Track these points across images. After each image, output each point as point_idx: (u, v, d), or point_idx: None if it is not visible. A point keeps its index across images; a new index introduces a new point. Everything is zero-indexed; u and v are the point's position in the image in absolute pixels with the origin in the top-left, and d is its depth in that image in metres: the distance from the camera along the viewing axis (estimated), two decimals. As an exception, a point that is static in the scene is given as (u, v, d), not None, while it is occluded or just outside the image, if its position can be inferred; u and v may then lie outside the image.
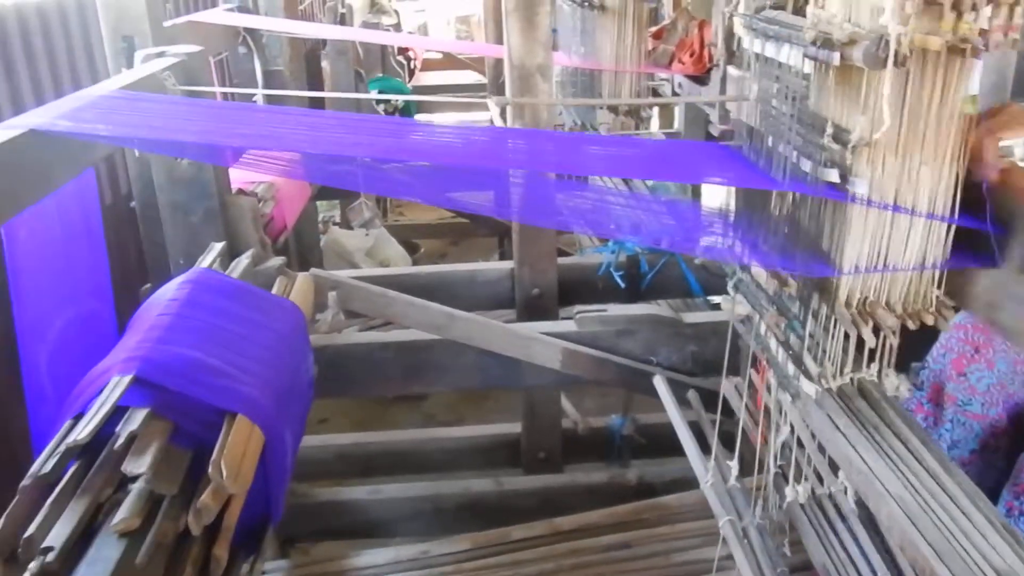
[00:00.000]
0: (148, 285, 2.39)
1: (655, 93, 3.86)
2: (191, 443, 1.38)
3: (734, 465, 1.76)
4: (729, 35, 2.23)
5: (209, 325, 1.59)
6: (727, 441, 1.85)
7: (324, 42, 4.57)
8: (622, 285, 2.76)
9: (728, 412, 1.96)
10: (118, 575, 1.13)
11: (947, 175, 1.30)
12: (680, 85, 3.47)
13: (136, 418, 1.32)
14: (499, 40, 4.72)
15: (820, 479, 1.60)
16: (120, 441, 1.27)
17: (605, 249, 2.85)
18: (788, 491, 1.59)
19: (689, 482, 2.10)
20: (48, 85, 2.89)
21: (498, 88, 5.23)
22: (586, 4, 3.22)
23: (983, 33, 1.12)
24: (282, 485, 1.55)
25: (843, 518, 1.51)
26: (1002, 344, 1.88)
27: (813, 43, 1.26)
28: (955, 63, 1.21)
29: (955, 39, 1.12)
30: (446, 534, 2.40)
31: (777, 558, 1.58)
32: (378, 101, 5.00)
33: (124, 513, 1.20)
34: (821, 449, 1.51)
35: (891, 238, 1.35)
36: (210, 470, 1.27)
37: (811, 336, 1.48)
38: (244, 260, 2.04)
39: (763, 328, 1.62)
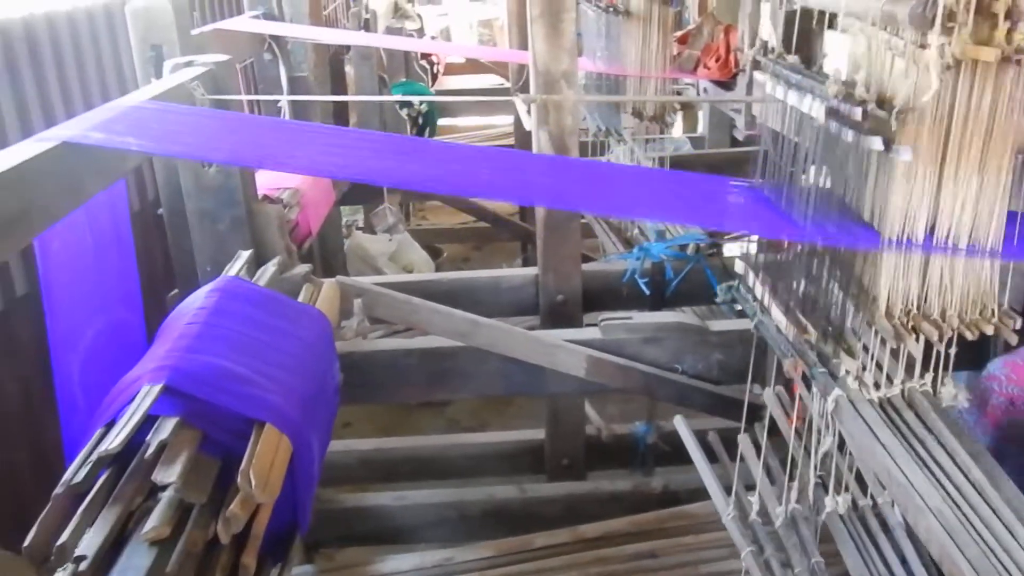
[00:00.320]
0: (175, 291, 2.41)
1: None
2: (220, 451, 1.39)
3: (755, 500, 1.75)
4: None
5: (237, 334, 1.60)
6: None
7: (347, 47, 4.59)
8: (647, 292, 2.75)
9: (753, 421, 1.95)
10: (149, 583, 1.14)
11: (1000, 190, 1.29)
12: (705, 90, 3.46)
13: (166, 427, 1.33)
14: (523, 45, 4.72)
15: (864, 490, 1.58)
16: (151, 450, 1.28)
17: (630, 255, 2.84)
18: (828, 502, 1.57)
19: (714, 491, 2.08)
20: (77, 93, 2.93)
21: (522, 92, 5.22)
22: (611, 9, 3.21)
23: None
24: (309, 493, 1.56)
25: (887, 531, 1.49)
26: None
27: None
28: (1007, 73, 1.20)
29: (1010, 50, 1.11)
30: (470, 541, 2.40)
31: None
32: (401, 104, 5.01)
33: (155, 521, 1.21)
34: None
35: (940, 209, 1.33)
36: (239, 480, 1.28)
37: (848, 346, 1.47)
38: (270, 268, 2.06)
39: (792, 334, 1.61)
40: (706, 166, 3.75)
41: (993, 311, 1.42)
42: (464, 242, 6.37)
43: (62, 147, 1.42)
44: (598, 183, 1.74)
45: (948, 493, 1.27)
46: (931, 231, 1.37)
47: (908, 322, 1.42)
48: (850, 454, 1.54)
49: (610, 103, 3.47)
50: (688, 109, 5.47)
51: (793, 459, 1.73)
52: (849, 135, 1.33)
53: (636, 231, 3.21)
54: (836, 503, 1.59)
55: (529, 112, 2.35)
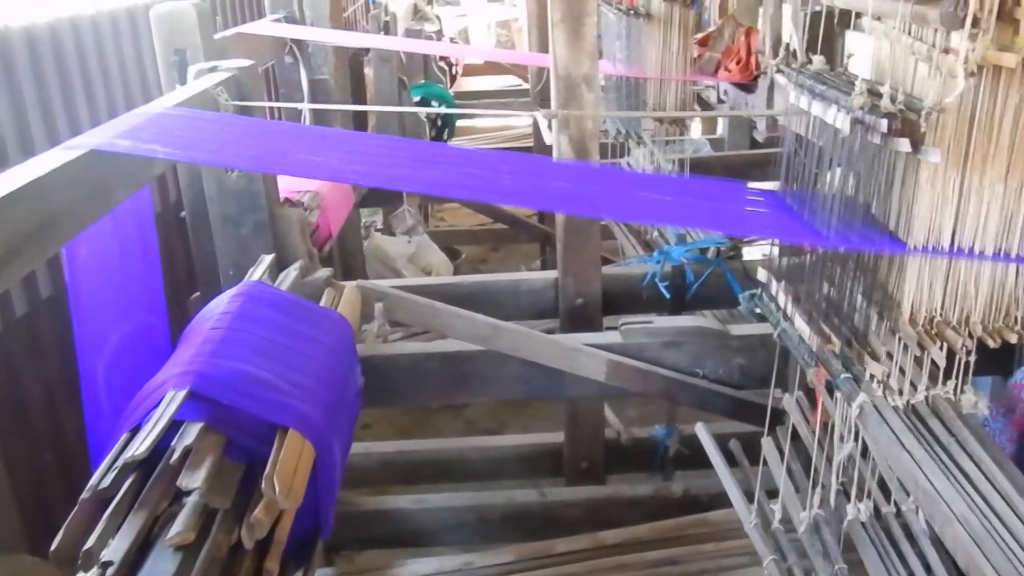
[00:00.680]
0: (197, 294, 2.43)
1: (700, 100, 3.83)
2: (243, 456, 1.40)
3: (778, 509, 1.75)
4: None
5: (260, 338, 1.61)
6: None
7: (367, 49, 4.61)
8: (667, 296, 2.74)
9: (775, 426, 1.94)
10: (174, 589, 1.15)
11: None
12: (726, 92, 3.45)
13: (191, 432, 1.34)
14: (542, 47, 4.72)
15: (887, 497, 1.58)
16: (176, 455, 1.29)
17: (650, 259, 2.83)
18: (850, 509, 1.56)
19: (736, 497, 2.07)
20: (101, 97, 2.95)
21: (541, 94, 5.23)
22: (631, 12, 3.20)
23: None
24: (331, 498, 1.57)
25: (911, 539, 1.48)
26: None
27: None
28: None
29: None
30: (490, 544, 2.40)
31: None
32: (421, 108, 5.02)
33: (179, 527, 1.22)
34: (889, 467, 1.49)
35: (966, 214, 1.33)
36: (263, 485, 1.29)
37: (872, 350, 1.46)
38: (292, 272, 2.07)
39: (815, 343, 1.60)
40: (726, 168, 3.73)
41: (1017, 318, 1.41)
42: (482, 243, 6.38)
43: (90, 155, 1.43)
44: (619, 190, 1.74)
45: (974, 501, 1.26)
46: (956, 237, 1.37)
47: (932, 329, 1.42)
48: (873, 460, 1.54)
49: (630, 104, 3.47)
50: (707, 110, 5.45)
51: (815, 466, 1.72)
52: (876, 138, 1.32)
53: (655, 234, 3.20)
54: (859, 510, 1.59)
55: (550, 126, 2.35)
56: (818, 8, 1.64)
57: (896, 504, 1.59)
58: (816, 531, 1.65)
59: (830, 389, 1.57)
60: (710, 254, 2.75)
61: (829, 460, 1.65)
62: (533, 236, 5.64)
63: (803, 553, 1.67)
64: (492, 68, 8.09)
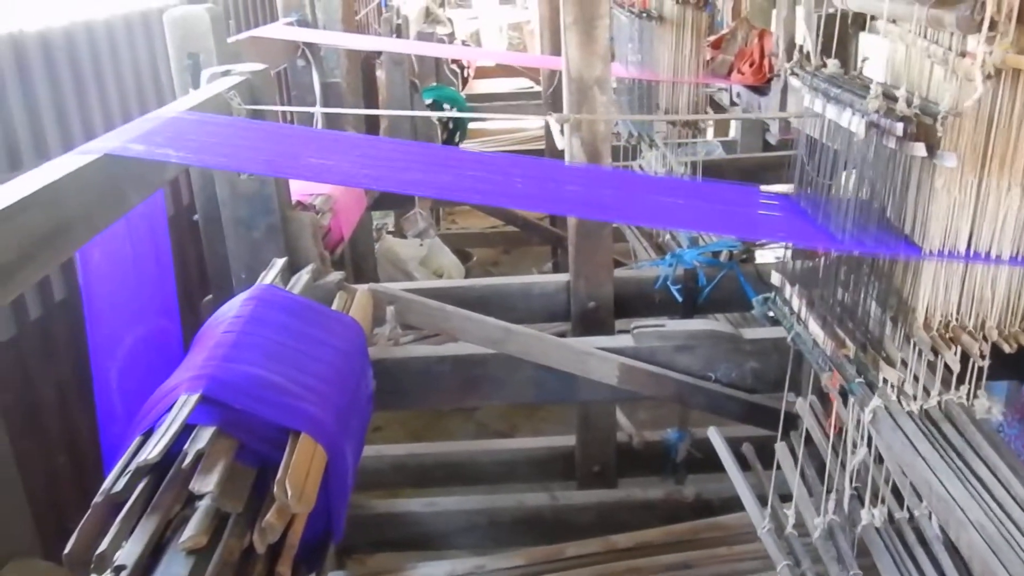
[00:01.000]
0: (209, 297, 2.44)
1: (713, 102, 3.82)
2: (255, 460, 1.40)
3: (791, 513, 1.74)
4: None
5: (272, 342, 1.61)
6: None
7: (379, 52, 4.61)
8: (679, 299, 2.73)
9: (788, 430, 1.93)
10: (187, 593, 1.15)
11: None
12: (739, 95, 3.43)
13: (203, 436, 1.34)
14: (554, 50, 4.72)
15: (900, 503, 1.56)
16: (188, 459, 1.29)
17: (662, 262, 2.82)
18: (864, 514, 1.55)
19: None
20: (115, 100, 2.97)
21: (553, 97, 5.22)
22: (644, 15, 3.20)
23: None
24: (343, 502, 1.56)
25: (925, 544, 1.47)
26: None
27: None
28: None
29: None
30: (501, 548, 2.40)
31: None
32: (433, 111, 5.03)
33: (192, 530, 1.22)
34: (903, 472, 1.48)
35: (983, 218, 1.32)
36: (275, 490, 1.29)
37: (886, 355, 1.45)
38: (304, 275, 2.07)
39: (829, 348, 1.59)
40: (738, 171, 3.72)
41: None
42: (494, 246, 6.38)
43: (104, 159, 1.44)
44: (632, 193, 1.73)
45: (989, 507, 1.25)
46: (973, 241, 1.36)
47: (947, 334, 1.41)
48: (886, 466, 1.53)
49: (642, 107, 3.46)
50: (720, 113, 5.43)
51: (829, 471, 1.71)
52: (891, 142, 1.31)
53: (667, 237, 3.19)
54: (872, 516, 1.57)
55: (562, 131, 2.34)
56: (832, 10, 1.63)
57: (909, 510, 1.57)
58: (830, 536, 1.64)
59: (844, 393, 1.56)
60: (722, 257, 2.74)
61: (843, 465, 1.64)
62: (545, 239, 5.64)
63: (816, 558, 1.66)
64: (504, 70, 8.10)
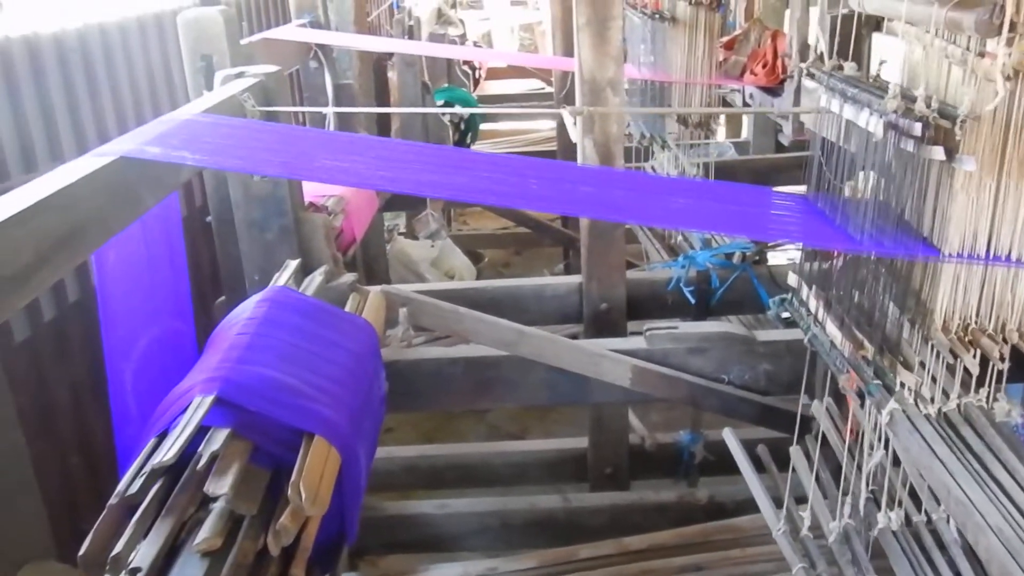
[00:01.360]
0: (223, 299, 2.44)
1: (725, 103, 3.81)
2: (269, 462, 1.40)
3: (807, 516, 1.72)
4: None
5: (286, 344, 1.61)
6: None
7: (391, 53, 4.62)
8: (692, 301, 2.72)
9: (803, 432, 1.92)
10: (201, 595, 1.15)
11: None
12: (751, 96, 3.42)
13: (217, 438, 1.34)
14: (566, 51, 4.71)
15: (918, 506, 1.55)
16: (202, 461, 1.29)
17: (675, 264, 2.81)
18: (880, 517, 1.54)
19: (762, 503, 2.05)
20: (128, 102, 2.98)
21: (566, 99, 5.22)
22: (657, 16, 3.19)
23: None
24: (356, 504, 1.56)
25: (942, 548, 1.46)
26: None
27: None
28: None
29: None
30: (513, 550, 2.39)
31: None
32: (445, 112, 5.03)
33: (207, 533, 1.22)
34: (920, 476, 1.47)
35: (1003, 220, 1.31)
36: (289, 492, 1.28)
37: (904, 359, 1.44)
38: (317, 277, 2.07)
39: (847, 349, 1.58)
40: (751, 172, 3.71)
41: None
42: (505, 247, 6.37)
43: (119, 161, 1.44)
44: (644, 194, 1.72)
45: (1008, 511, 1.24)
46: (992, 243, 1.35)
47: (966, 336, 1.40)
48: (903, 469, 1.51)
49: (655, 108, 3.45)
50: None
51: (845, 473, 1.70)
52: (909, 145, 1.30)
53: (679, 238, 3.18)
54: (889, 519, 1.56)
55: (576, 123, 2.34)
56: (846, 11, 1.62)
57: (927, 513, 1.56)
58: (846, 540, 1.63)
59: (861, 395, 1.55)
60: (735, 259, 2.73)
61: (859, 468, 1.63)
62: (556, 240, 5.63)
63: (832, 561, 1.65)
64: (516, 72, 8.09)
